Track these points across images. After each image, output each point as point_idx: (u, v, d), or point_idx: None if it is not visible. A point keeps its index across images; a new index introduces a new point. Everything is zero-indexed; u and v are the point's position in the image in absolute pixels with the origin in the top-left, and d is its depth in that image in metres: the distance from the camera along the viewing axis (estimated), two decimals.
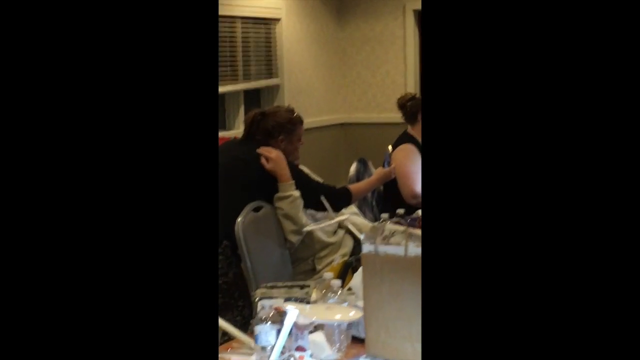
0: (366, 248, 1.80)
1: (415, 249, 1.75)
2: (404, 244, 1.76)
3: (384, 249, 1.77)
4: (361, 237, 1.96)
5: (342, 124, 7.10)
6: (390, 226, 1.87)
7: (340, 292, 1.95)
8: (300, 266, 3.18)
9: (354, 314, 1.68)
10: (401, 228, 1.83)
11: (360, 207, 3.80)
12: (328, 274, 2.06)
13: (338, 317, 1.69)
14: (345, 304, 1.92)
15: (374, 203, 3.94)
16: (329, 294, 1.96)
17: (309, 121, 6.52)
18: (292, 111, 3.31)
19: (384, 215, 2.72)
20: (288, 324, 1.55)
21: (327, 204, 2.96)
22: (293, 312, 1.57)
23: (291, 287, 2.26)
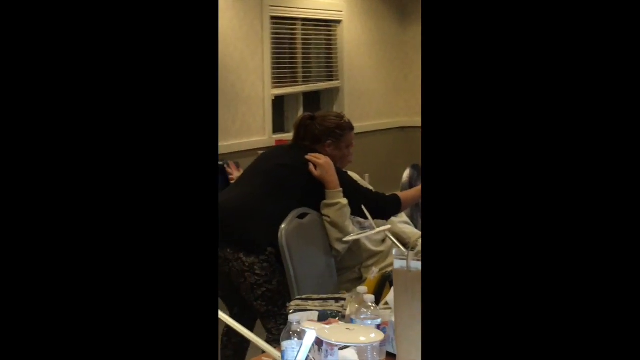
0: (397, 263, 1.73)
1: None
2: None
3: (415, 264, 1.70)
4: (394, 251, 1.89)
5: (402, 128, 7.02)
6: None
7: (373, 307, 1.89)
8: (347, 275, 3.12)
9: (374, 336, 1.61)
10: None
11: (412, 215, 3.72)
12: (362, 288, 2.00)
13: (362, 339, 1.62)
14: (378, 320, 1.86)
15: None
16: (362, 309, 1.90)
17: (369, 124, 6.47)
18: (341, 116, 3.25)
19: None
20: (306, 346, 1.50)
21: (367, 212, 2.89)
22: (311, 334, 1.52)
23: (326, 299, 2.21)
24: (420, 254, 1.74)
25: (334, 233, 2.98)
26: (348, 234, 2.95)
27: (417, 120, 6.96)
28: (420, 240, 1.90)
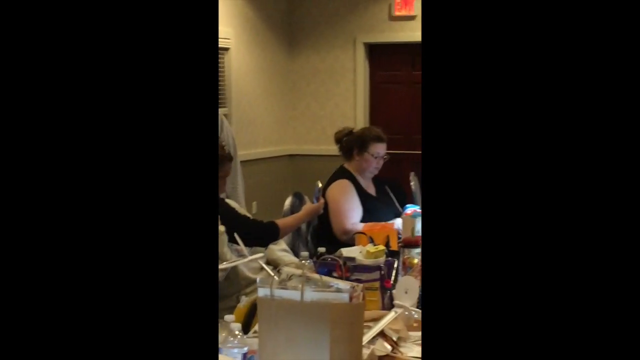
0: (261, 292, 1.74)
1: (312, 294, 1.70)
2: (300, 288, 1.70)
3: (279, 293, 1.71)
4: (257, 280, 1.89)
5: (290, 155, 7.07)
6: (288, 269, 1.81)
7: (240, 335, 1.89)
8: (225, 302, 3.10)
9: None
10: (298, 271, 1.77)
11: (294, 242, 3.75)
12: (229, 317, 1.99)
13: None
14: (245, 349, 1.86)
15: (309, 238, 3.89)
16: (229, 337, 1.89)
17: (257, 151, 6.49)
18: (221, 147, 3.24)
19: (321, 249, 2.70)
20: None
21: (239, 240, 2.89)
22: None
23: None
24: (284, 283, 1.76)
25: None
26: (225, 261, 2.94)
27: (305, 148, 7.03)
28: (285, 269, 1.91)
